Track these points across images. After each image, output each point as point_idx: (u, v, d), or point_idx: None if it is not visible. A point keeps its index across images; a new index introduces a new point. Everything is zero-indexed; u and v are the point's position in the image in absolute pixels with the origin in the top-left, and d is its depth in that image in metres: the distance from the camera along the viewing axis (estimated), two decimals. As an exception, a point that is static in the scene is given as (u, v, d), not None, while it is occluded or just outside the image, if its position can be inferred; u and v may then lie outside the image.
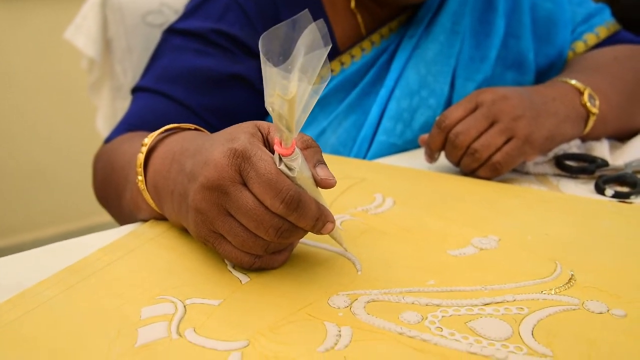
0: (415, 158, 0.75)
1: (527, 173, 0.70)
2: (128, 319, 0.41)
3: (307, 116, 0.41)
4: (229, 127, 0.47)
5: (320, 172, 0.45)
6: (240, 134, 0.44)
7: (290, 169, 0.42)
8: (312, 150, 0.46)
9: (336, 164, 0.69)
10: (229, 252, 0.45)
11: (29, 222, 2.00)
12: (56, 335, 0.39)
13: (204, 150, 0.45)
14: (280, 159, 0.42)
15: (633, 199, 0.63)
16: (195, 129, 0.56)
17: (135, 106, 0.76)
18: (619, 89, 0.73)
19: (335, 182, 0.45)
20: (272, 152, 0.43)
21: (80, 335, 0.39)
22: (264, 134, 0.46)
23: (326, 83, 0.40)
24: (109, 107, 1.11)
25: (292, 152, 0.42)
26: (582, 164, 0.69)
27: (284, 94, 0.38)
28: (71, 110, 2.02)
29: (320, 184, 0.45)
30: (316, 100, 0.40)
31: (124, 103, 1.06)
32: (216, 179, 0.43)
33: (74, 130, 2.03)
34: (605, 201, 0.62)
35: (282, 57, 0.38)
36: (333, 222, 0.45)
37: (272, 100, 0.39)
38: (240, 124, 0.47)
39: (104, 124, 1.11)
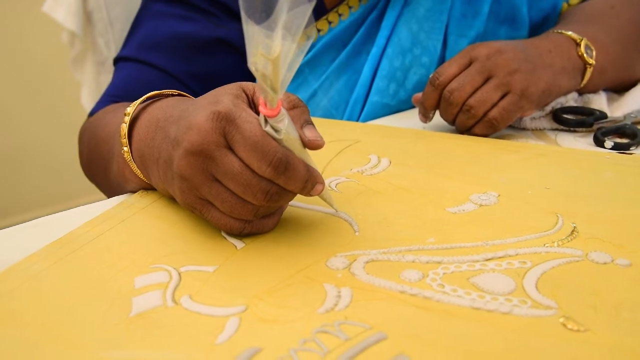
0: (409, 118, 0.73)
1: (523, 129, 0.68)
2: (121, 289, 0.40)
3: (292, 75, 0.39)
4: (213, 90, 0.45)
5: (308, 133, 0.43)
6: (224, 96, 0.43)
7: (276, 130, 0.41)
8: (299, 111, 0.44)
9: (329, 127, 0.67)
10: (218, 218, 0.44)
11: (15, 205, 1.98)
12: (47, 309, 0.38)
13: (187, 115, 0.43)
14: (266, 121, 0.40)
15: (633, 150, 0.62)
16: (179, 95, 0.54)
17: (118, 77, 0.74)
18: (615, 38, 0.72)
19: (324, 143, 0.44)
20: (258, 113, 0.42)
21: (71, 308, 0.38)
22: (249, 95, 0.45)
23: (312, 41, 0.38)
24: (94, 82, 1.08)
25: (278, 113, 0.40)
26: (580, 117, 0.67)
27: (267, 54, 0.36)
28: (54, 88, 1.97)
29: (308, 145, 0.43)
30: (302, 59, 0.39)
31: (109, 77, 1.02)
32: (200, 143, 0.41)
33: (58, 109, 1.99)
34: (605, 153, 0.60)
35: (265, 14, 0.36)
36: (322, 183, 0.43)
37: (255, 60, 0.37)
38: (224, 86, 0.45)
39: (89, 100, 1.08)
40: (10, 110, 1.95)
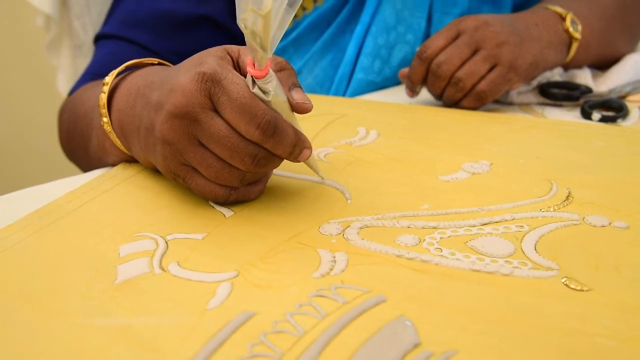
0: (396, 94, 0.72)
1: (510, 103, 0.68)
2: (106, 257, 0.38)
3: (282, 34, 0.37)
4: (196, 54, 0.43)
5: (296, 96, 0.42)
6: (209, 57, 0.41)
7: (264, 92, 0.39)
8: (287, 73, 0.43)
9: (314, 102, 0.65)
10: (202, 186, 0.42)
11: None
12: (28, 279, 0.36)
13: (170, 79, 0.42)
14: (254, 82, 0.39)
15: (620, 122, 0.61)
16: (160, 63, 0.52)
17: (98, 54, 0.72)
18: (598, 15, 0.71)
19: (312, 107, 0.42)
20: (244, 76, 0.40)
21: (53, 277, 0.36)
22: (234, 58, 0.43)
23: None
24: (70, 67, 1.05)
25: (267, 73, 0.38)
26: (567, 91, 0.67)
27: (258, 9, 0.35)
28: (29, 72, 1.91)
29: (296, 108, 0.42)
30: (292, 17, 0.37)
31: (86, 61, 1.00)
32: (184, 105, 0.39)
33: (33, 95, 1.93)
34: (594, 124, 0.60)
35: None
36: (310, 148, 0.42)
37: (245, 16, 0.36)
38: (208, 49, 0.43)
39: (66, 85, 1.05)
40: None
